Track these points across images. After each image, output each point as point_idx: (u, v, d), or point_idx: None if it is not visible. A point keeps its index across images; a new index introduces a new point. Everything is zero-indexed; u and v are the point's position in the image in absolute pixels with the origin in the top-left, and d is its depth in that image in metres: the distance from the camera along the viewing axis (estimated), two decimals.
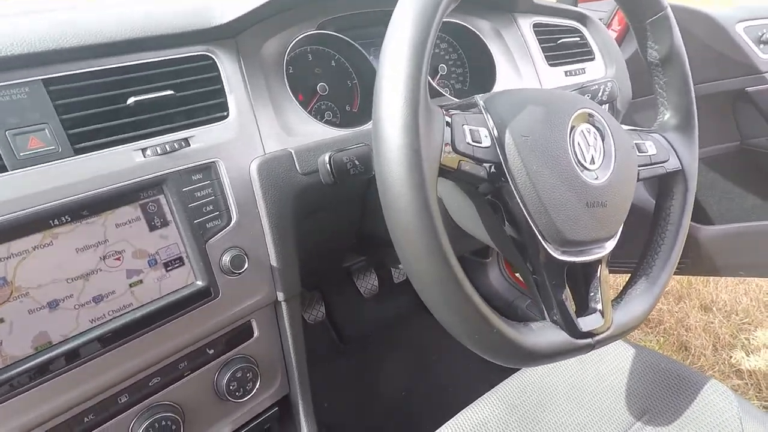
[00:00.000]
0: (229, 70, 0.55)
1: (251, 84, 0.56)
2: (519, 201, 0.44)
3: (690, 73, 0.56)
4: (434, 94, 0.74)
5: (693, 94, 0.57)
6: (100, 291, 0.46)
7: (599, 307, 0.49)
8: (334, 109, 0.70)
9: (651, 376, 0.71)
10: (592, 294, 0.50)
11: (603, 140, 0.48)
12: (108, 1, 0.65)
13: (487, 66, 0.79)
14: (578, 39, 0.87)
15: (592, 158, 0.47)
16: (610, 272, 0.52)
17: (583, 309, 0.50)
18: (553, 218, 0.44)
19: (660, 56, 0.55)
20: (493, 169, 0.43)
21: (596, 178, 0.46)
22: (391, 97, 0.36)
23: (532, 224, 0.44)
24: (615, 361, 0.73)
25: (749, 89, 1.05)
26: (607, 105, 0.82)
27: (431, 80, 0.74)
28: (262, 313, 0.59)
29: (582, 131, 0.47)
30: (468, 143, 0.42)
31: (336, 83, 0.70)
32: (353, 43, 0.68)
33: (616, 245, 0.50)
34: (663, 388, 0.69)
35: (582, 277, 0.50)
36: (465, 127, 0.42)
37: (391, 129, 0.36)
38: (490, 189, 0.46)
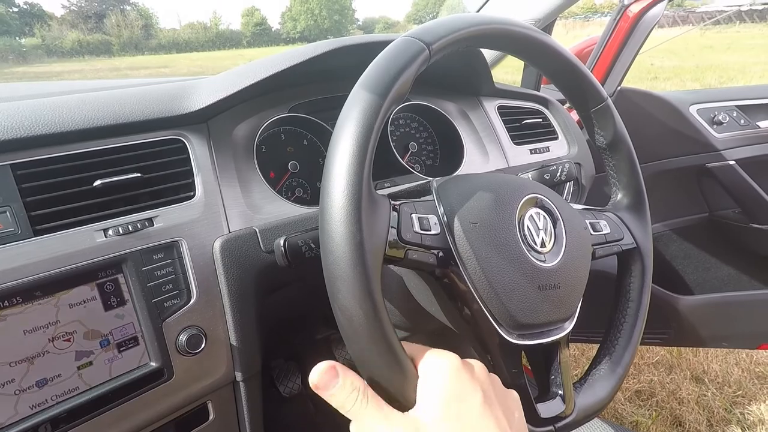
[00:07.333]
0: (198, 152, 0.57)
1: (220, 165, 0.59)
2: (470, 286, 0.44)
3: (635, 157, 0.59)
4: (403, 171, 0.77)
5: (640, 176, 0.60)
6: (45, 374, 0.45)
7: (560, 391, 0.49)
8: (305, 185, 0.72)
9: None
10: (552, 377, 0.49)
11: (554, 223, 0.50)
12: (88, 84, 0.68)
13: (456, 144, 0.83)
14: (541, 120, 0.92)
15: (543, 241, 0.48)
16: (579, 342, 0.51)
17: (544, 393, 0.49)
18: (504, 303, 0.44)
19: (606, 141, 0.59)
20: (441, 255, 0.44)
21: (547, 261, 0.47)
22: (335, 191, 0.37)
23: (484, 308, 0.44)
24: None
25: (710, 165, 1.11)
26: (571, 182, 0.86)
27: (401, 159, 0.77)
28: (219, 394, 0.57)
29: (531, 215, 0.48)
30: (416, 232, 0.43)
31: (307, 161, 0.73)
32: (323, 124, 0.72)
33: (581, 317, 0.50)
34: None
35: (542, 360, 0.49)
36: (413, 216, 0.43)
37: (335, 221, 0.37)
38: (443, 273, 0.46)
